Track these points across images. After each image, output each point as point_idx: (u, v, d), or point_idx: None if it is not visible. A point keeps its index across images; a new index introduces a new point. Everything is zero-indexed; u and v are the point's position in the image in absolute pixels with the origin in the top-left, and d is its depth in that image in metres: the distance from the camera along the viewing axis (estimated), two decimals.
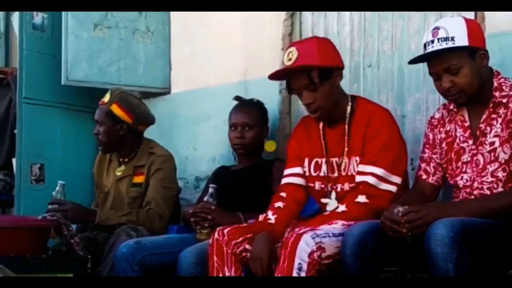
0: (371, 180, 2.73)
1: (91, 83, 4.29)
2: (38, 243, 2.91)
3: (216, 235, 2.79)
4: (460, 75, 2.54)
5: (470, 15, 2.93)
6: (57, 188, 3.34)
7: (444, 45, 2.51)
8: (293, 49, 2.78)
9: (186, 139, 4.27)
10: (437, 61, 2.56)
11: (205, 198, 3.20)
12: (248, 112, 3.45)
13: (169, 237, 3.34)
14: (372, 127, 2.79)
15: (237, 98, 3.55)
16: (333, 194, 2.85)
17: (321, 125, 2.94)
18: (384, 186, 2.74)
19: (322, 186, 2.90)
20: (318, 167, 2.91)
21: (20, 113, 4.28)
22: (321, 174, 2.90)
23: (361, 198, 2.71)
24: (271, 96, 3.67)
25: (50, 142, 4.36)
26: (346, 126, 2.85)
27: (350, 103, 2.88)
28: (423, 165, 2.76)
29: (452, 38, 2.50)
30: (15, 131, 4.36)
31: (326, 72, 2.80)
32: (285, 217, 2.85)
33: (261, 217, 2.85)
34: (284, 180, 2.98)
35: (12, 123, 4.46)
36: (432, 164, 2.74)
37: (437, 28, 2.54)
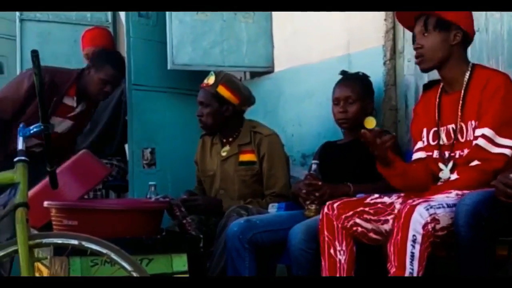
0: (482, 143, 2.66)
1: (196, 66, 4.34)
2: (152, 224, 2.99)
3: (326, 210, 2.78)
4: None
5: None
6: (151, 189, 3.42)
7: None
8: None
9: (291, 116, 4.27)
10: None
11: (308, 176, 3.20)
12: (350, 86, 3.40)
13: (279, 214, 3.36)
14: (488, 89, 2.72)
15: (342, 72, 3.51)
16: (450, 163, 2.78)
17: (439, 93, 2.89)
18: (497, 149, 2.65)
19: (441, 154, 2.84)
20: (436, 136, 2.87)
21: (130, 100, 4.39)
22: (441, 142, 2.85)
23: (473, 163, 2.65)
24: (375, 68, 3.60)
25: (160, 127, 4.46)
26: (462, 92, 2.79)
27: (469, 70, 2.82)
28: None
29: None
30: (126, 118, 4.49)
31: (444, 23, 2.77)
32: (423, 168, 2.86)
33: None
34: (414, 156, 2.96)
35: (124, 110, 4.59)
36: None
37: None
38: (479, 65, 2.89)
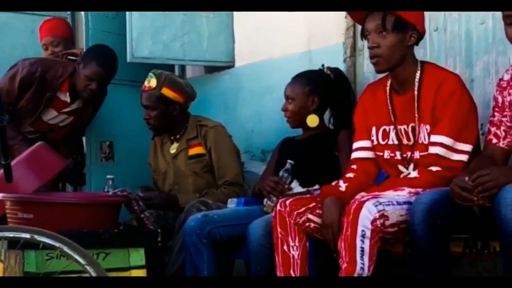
0: (442, 152, 2.66)
1: (156, 60, 4.32)
2: (109, 218, 2.96)
3: (278, 207, 2.80)
4: None
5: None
6: (109, 183, 3.39)
7: None
8: None
9: (251, 112, 4.27)
10: None
11: (281, 173, 3.20)
12: (292, 84, 3.41)
13: (237, 209, 3.36)
14: (442, 93, 2.70)
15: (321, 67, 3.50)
16: (412, 165, 2.78)
17: (388, 91, 2.87)
18: (457, 156, 2.66)
19: (392, 154, 2.84)
20: (386, 135, 2.85)
21: None
22: (390, 142, 2.84)
23: (434, 168, 2.66)
24: (335, 65, 3.59)
25: (118, 120, 4.43)
26: (416, 92, 2.77)
27: (419, 69, 2.79)
28: (493, 129, 2.68)
29: None
30: None
31: (402, 24, 2.73)
32: (355, 186, 2.81)
33: (333, 183, 2.84)
34: (353, 154, 2.95)
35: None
36: (502, 128, 2.65)
37: None
38: (429, 64, 2.87)
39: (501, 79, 2.69)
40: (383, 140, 2.86)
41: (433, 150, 2.68)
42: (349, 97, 3.45)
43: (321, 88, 3.37)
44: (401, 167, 2.81)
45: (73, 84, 4.07)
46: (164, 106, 3.64)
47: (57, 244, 2.13)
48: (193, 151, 3.69)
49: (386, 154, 2.85)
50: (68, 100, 4.12)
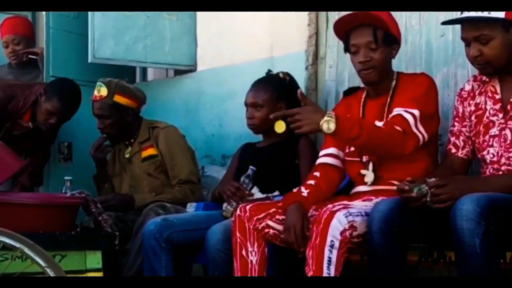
0: (408, 117, 2.69)
1: (117, 61, 4.30)
2: (67, 220, 2.93)
3: (238, 211, 2.81)
4: (489, 46, 2.50)
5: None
6: (67, 184, 3.36)
7: (479, 14, 2.47)
8: None
9: (212, 116, 4.27)
10: (469, 28, 2.52)
11: (242, 179, 3.21)
12: (258, 91, 3.39)
13: (196, 214, 3.36)
14: (414, 84, 2.80)
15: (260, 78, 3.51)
16: (371, 165, 2.83)
17: (362, 101, 2.93)
18: (415, 129, 2.69)
19: (361, 159, 2.87)
20: None
21: None
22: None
23: (398, 128, 2.67)
24: (297, 72, 3.63)
25: (77, 120, 4.38)
26: (389, 98, 2.84)
27: (395, 79, 2.88)
28: (452, 138, 2.73)
29: None
30: None
31: (390, 38, 2.81)
32: (315, 194, 2.84)
33: (294, 190, 2.85)
34: (318, 160, 2.97)
35: None
36: (461, 138, 2.71)
37: None
38: (403, 73, 2.96)
39: (462, 89, 2.75)
40: None
41: (402, 113, 2.71)
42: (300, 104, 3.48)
43: (286, 94, 3.38)
44: (362, 171, 2.85)
45: (34, 113, 4.03)
46: (118, 113, 3.67)
47: (17, 245, 2.11)
48: (145, 153, 3.72)
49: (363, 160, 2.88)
50: (31, 126, 4.08)
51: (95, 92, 3.68)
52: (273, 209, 2.81)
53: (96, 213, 3.03)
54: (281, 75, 3.46)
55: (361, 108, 2.91)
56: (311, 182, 2.88)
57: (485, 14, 2.46)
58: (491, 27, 2.48)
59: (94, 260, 2.84)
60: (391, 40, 2.83)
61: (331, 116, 2.53)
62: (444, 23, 2.66)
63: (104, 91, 3.64)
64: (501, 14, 2.47)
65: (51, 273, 2.07)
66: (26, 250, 2.11)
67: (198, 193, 3.62)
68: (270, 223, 2.79)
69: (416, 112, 2.70)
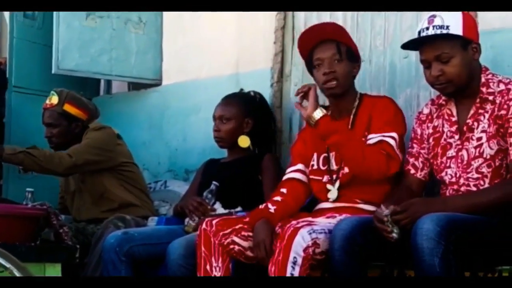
0: (391, 141, 2.76)
1: (82, 73, 4.28)
2: (27, 231, 2.91)
3: (204, 226, 2.79)
4: (450, 64, 2.54)
5: None
6: (28, 196, 3.30)
7: (438, 32, 2.51)
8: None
9: (176, 131, 4.26)
10: (429, 48, 2.56)
11: (205, 194, 3.21)
12: (227, 105, 3.41)
13: (158, 228, 3.35)
14: (378, 107, 2.85)
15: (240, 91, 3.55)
16: (337, 184, 2.85)
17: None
18: (398, 152, 2.77)
19: (329, 178, 2.90)
20: (325, 161, 2.92)
21: (9, 102, 4.26)
22: (331, 167, 2.90)
23: (383, 151, 2.74)
24: (262, 89, 3.65)
25: (39, 131, 4.31)
26: (351, 118, 2.88)
27: (358, 100, 2.92)
28: (411, 160, 2.77)
29: (447, 27, 2.51)
30: (4, 120, 4.34)
31: (352, 54, 2.89)
32: (282, 210, 2.85)
33: (261, 207, 2.85)
34: (286, 176, 2.99)
35: (2, 113, 4.43)
36: (420, 159, 2.75)
37: (433, 16, 2.54)
38: (366, 95, 3.00)
39: (420, 112, 2.80)
40: (323, 165, 2.92)
41: (380, 138, 2.77)
42: (270, 122, 3.51)
43: (255, 112, 3.41)
44: (329, 186, 2.87)
45: None
46: (67, 122, 3.67)
47: None
48: None
49: (326, 178, 2.90)
50: None
51: (47, 101, 3.70)
52: (239, 225, 2.80)
53: (57, 225, 3.01)
54: (252, 93, 3.50)
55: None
56: (278, 198, 2.89)
57: (444, 32, 2.51)
58: (450, 45, 2.53)
59: (53, 273, 2.83)
60: (353, 56, 2.90)
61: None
62: (403, 45, 2.69)
63: (55, 100, 3.65)
64: (459, 32, 2.51)
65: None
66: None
67: (65, 166, 3.49)
68: (236, 239, 2.78)
69: (395, 135, 2.78)
